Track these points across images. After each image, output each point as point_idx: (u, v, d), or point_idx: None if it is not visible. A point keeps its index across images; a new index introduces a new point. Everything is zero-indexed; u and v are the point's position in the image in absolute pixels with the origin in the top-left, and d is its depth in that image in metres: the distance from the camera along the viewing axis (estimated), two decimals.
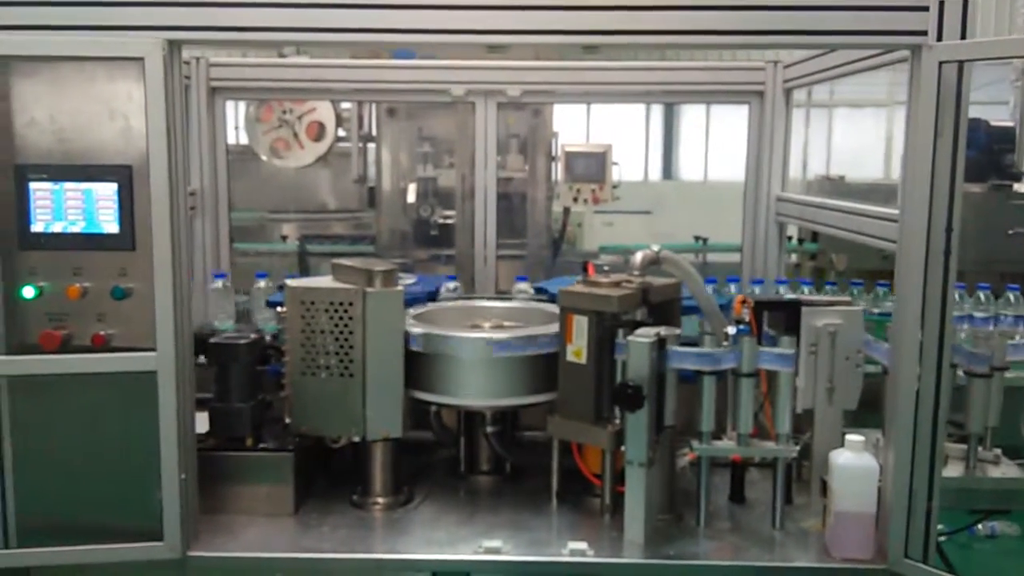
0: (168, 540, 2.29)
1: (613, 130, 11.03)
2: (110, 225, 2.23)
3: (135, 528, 2.30)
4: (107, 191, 2.21)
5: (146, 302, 2.22)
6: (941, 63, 2.09)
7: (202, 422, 2.49)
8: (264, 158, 5.83)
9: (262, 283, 3.19)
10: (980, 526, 4.83)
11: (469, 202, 3.94)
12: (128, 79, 2.17)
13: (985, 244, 6.09)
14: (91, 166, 2.21)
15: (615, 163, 4.61)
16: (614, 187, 4.70)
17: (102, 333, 2.26)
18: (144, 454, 2.26)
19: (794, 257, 7.58)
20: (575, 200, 4.61)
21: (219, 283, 3.26)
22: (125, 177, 2.20)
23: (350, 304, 2.48)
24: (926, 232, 2.14)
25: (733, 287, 3.20)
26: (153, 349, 2.22)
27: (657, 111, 13.01)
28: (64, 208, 2.23)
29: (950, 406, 2.26)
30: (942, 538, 2.67)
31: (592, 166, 4.61)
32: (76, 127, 2.21)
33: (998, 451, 2.68)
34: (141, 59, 2.14)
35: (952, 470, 2.58)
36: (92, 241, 2.23)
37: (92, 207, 2.22)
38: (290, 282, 2.59)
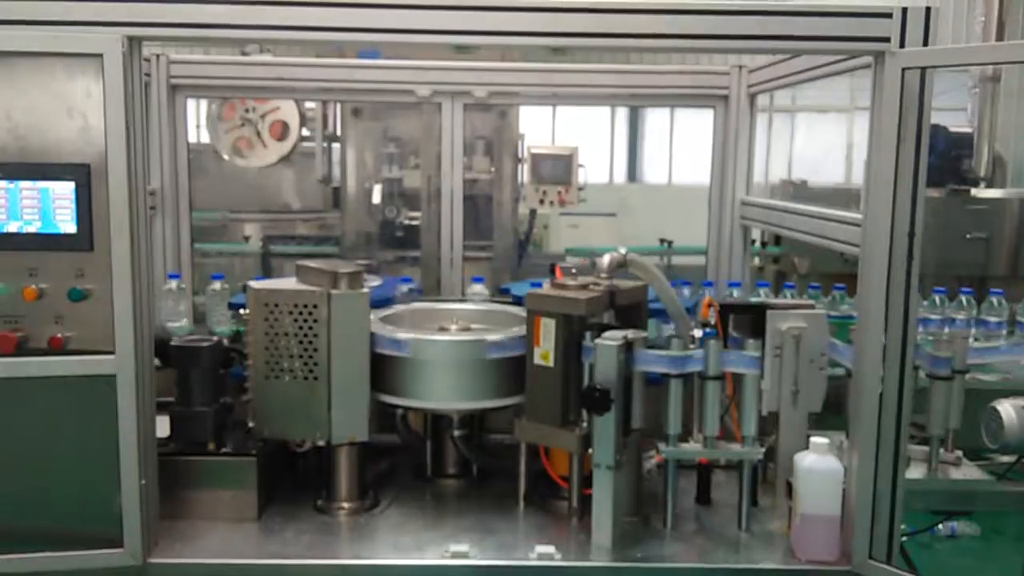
0: (128, 546, 2.24)
1: (579, 132, 11.05)
2: (67, 225, 2.17)
3: (94, 534, 2.25)
4: (64, 190, 2.16)
5: (104, 304, 2.17)
6: (904, 69, 2.12)
7: (162, 426, 2.45)
8: (226, 157, 5.76)
9: (217, 285, 3.13)
10: (941, 526, 4.92)
11: (435, 203, 3.92)
12: (87, 76, 2.12)
13: (943, 248, 6.20)
14: (48, 164, 2.15)
15: (581, 165, 4.62)
16: (580, 189, 4.70)
17: (59, 335, 2.20)
18: (103, 459, 2.21)
19: (758, 260, 7.65)
20: (541, 202, 4.60)
21: (173, 284, 3.19)
22: (83, 176, 2.15)
23: (314, 306, 2.45)
24: (889, 236, 2.16)
25: (687, 290, 3.21)
26: (112, 352, 2.18)
27: (623, 114, 13.06)
28: (19, 207, 2.17)
29: (912, 408, 2.29)
30: (904, 539, 2.70)
31: (558, 168, 4.60)
32: (32, 125, 2.15)
33: (959, 453, 2.72)
34: (100, 56, 2.09)
35: (914, 472, 2.61)
36: (48, 241, 2.18)
37: (48, 206, 2.17)
38: (253, 284, 2.55)
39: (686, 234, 7.27)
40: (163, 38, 2.24)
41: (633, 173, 13.42)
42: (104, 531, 2.23)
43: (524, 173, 4.91)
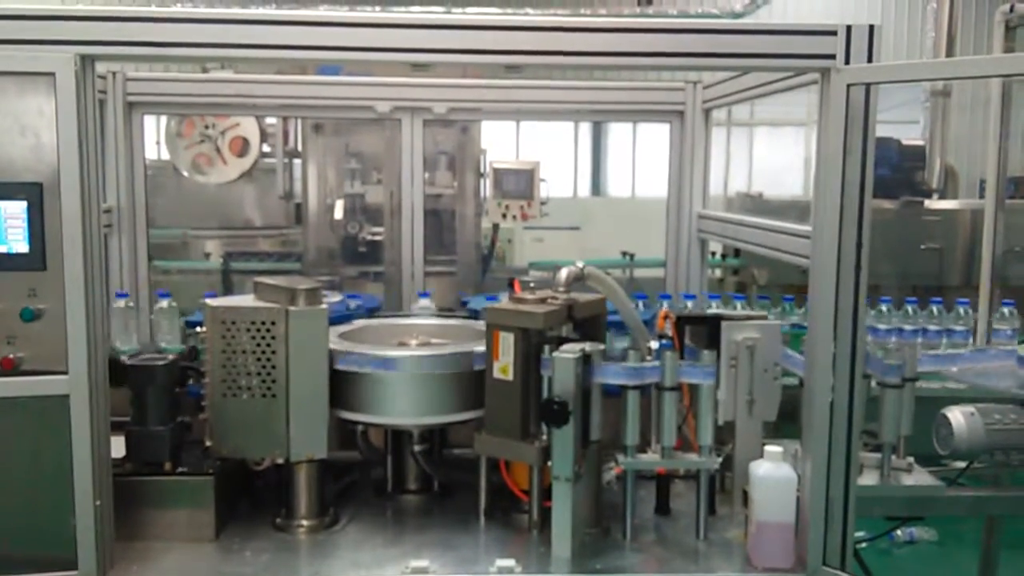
0: (83, 568, 2.21)
1: (543, 147, 11.12)
2: (19, 244, 2.15)
3: (48, 557, 2.22)
4: (16, 209, 2.13)
5: (58, 323, 2.15)
6: (849, 85, 2.18)
7: (118, 446, 2.42)
8: (186, 174, 5.72)
9: (164, 303, 3.10)
10: (899, 532, 5.00)
11: (397, 219, 3.93)
12: (39, 94, 2.11)
13: (899, 259, 6.33)
14: None
15: (543, 180, 4.65)
16: (542, 203, 4.73)
17: (11, 356, 2.17)
18: (57, 480, 2.19)
19: (718, 272, 7.74)
20: (504, 216, 4.63)
21: (121, 303, 3.16)
22: (35, 195, 2.13)
23: (272, 323, 2.44)
24: (837, 248, 2.21)
25: (642, 304, 3.26)
26: (65, 372, 2.16)
27: (585, 128, 13.16)
28: None
29: (864, 416, 2.34)
30: (862, 545, 2.75)
31: (520, 183, 4.63)
32: None
33: (911, 459, 2.77)
34: (52, 74, 2.08)
35: (867, 478, 2.66)
36: None
37: (0, 225, 2.15)
38: (210, 301, 2.54)
39: (648, 247, 7.34)
40: (116, 57, 2.24)
41: (597, 186, 13.52)
42: (58, 553, 2.20)
43: (487, 187, 4.94)
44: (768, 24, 2.26)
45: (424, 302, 3.28)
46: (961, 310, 3.04)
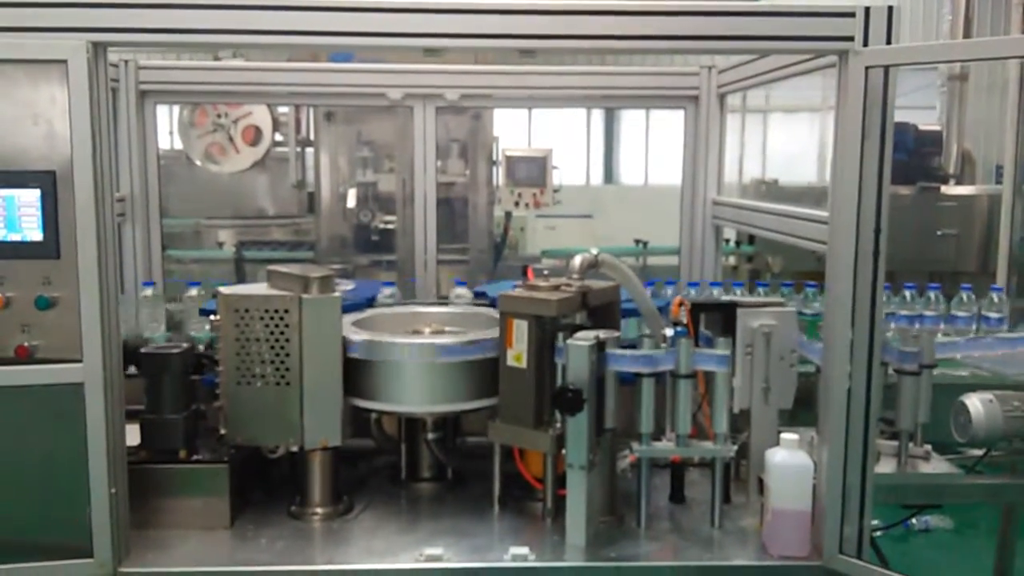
0: (98, 556, 2.22)
1: (555, 134, 11.06)
2: (33, 233, 2.15)
3: (63, 545, 2.23)
4: (30, 198, 2.14)
5: (72, 312, 2.16)
6: (867, 68, 2.15)
7: (133, 434, 2.43)
8: (199, 163, 5.73)
9: (194, 291, 3.11)
10: (915, 520, 4.98)
11: (410, 207, 3.92)
12: (51, 82, 2.10)
13: (915, 245, 6.28)
14: (12, 172, 2.13)
15: (555, 167, 4.63)
16: (555, 191, 4.71)
17: (26, 344, 2.18)
18: (72, 468, 2.19)
19: (732, 259, 7.70)
20: (516, 204, 4.62)
21: (148, 291, 3.17)
22: (48, 183, 2.13)
23: (286, 311, 2.44)
24: (855, 233, 2.19)
25: (670, 290, 3.24)
26: (80, 360, 2.16)
27: (598, 115, 13.10)
28: None
29: (881, 404, 2.32)
30: (878, 533, 2.73)
31: (533, 170, 4.62)
32: None
33: (928, 447, 2.75)
34: (64, 62, 2.08)
35: (884, 466, 2.64)
36: (14, 249, 2.15)
37: (14, 214, 2.15)
38: (223, 289, 2.54)
39: (662, 234, 7.30)
40: (128, 43, 2.23)
41: (609, 174, 13.46)
42: (74, 541, 2.21)
43: (499, 175, 4.92)
44: (786, 6, 2.22)
45: (460, 290, 3.27)
46: (995, 296, 2.99)
